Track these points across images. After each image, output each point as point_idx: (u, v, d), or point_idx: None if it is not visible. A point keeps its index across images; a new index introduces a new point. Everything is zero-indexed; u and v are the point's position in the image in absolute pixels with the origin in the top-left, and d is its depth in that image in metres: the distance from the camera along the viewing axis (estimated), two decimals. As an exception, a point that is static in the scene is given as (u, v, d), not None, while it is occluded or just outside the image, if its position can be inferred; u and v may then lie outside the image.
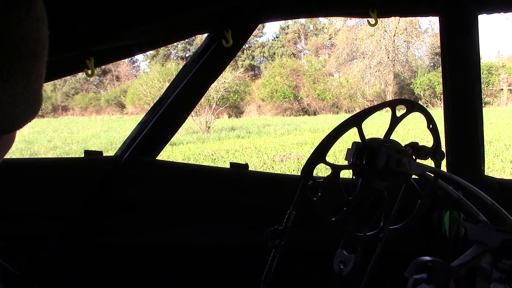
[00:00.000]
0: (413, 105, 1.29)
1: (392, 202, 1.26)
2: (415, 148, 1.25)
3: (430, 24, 24.60)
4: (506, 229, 1.16)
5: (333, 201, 1.19)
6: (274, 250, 1.18)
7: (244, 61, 28.79)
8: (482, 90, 2.01)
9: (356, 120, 1.21)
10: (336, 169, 1.19)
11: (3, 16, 0.37)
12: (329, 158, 1.20)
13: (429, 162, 1.32)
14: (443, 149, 1.52)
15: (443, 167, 1.72)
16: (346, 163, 1.24)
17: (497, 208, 1.22)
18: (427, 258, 1.02)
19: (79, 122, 23.08)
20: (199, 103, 5.65)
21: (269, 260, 1.18)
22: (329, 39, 28.68)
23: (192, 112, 2.20)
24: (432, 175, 1.28)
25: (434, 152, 1.28)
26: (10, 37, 0.38)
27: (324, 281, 1.35)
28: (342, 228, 1.22)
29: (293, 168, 7.84)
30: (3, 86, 0.38)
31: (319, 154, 1.18)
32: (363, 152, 1.20)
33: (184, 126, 3.37)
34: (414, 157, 1.25)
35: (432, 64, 24.58)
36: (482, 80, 1.94)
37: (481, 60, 2.12)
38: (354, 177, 1.23)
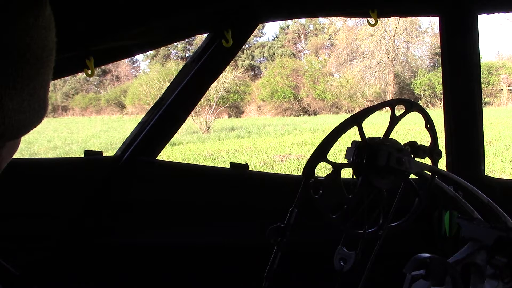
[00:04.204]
0: (411, 105, 1.30)
1: (391, 200, 1.27)
2: (413, 147, 1.26)
3: (430, 24, 24.62)
4: (500, 227, 1.17)
5: (334, 199, 1.20)
6: (276, 247, 1.19)
7: (244, 61, 28.80)
8: (482, 90, 2.01)
9: (356, 119, 1.21)
10: (337, 167, 1.20)
11: (10, 24, 0.37)
12: (329, 158, 1.20)
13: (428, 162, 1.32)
14: (443, 149, 1.53)
15: (444, 167, 1.73)
16: (346, 162, 1.24)
17: (492, 205, 1.23)
18: (426, 254, 1.03)
19: (79, 122, 23.09)
20: (199, 103, 5.65)
21: (271, 257, 1.18)
22: (329, 39, 28.68)
23: (192, 112, 2.20)
24: (430, 174, 1.29)
25: (431, 151, 1.29)
26: (17, 44, 0.38)
27: (325, 281, 1.35)
28: (343, 226, 1.22)
29: (293, 168, 7.84)
30: (9, 93, 0.38)
31: (321, 152, 1.19)
32: (363, 150, 1.21)
33: (184, 126, 3.37)
34: (412, 155, 1.26)
35: (432, 64, 24.57)
36: (482, 80, 1.94)
37: (481, 60, 2.12)
38: (354, 175, 1.24)
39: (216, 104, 16.54)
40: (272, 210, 1.36)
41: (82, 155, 1.84)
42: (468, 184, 1.28)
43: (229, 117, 22.44)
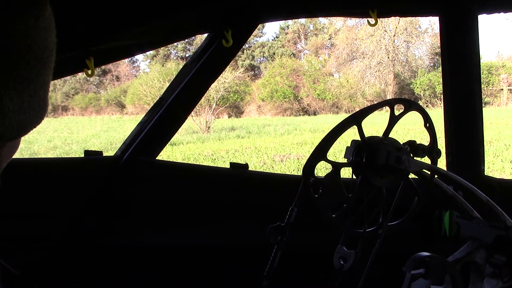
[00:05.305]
0: (410, 104, 1.30)
1: (390, 199, 1.27)
2: (412, 146, 1.26)
3: (430, 24, 24.61)
4: (499, 225, 1.17)
5: (333, 198, 1.20)
6: (276, 246, 1.19)
7: (244, 61, 28.79)
8: (482, 90, 2.01)
9: (356, 119, 1.21)
10: (336, 166, 1.20)
11: (11, 25, 0.37)
12: (329, 157, 1.20)
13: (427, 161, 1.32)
14: (443, 149, 1.53)
15: (444, 167, 1.73)
16: (345, 161, 1.24)
17: (491, 204, 1.23)
18: (425, 253, 1.03)
19: (79, 122, 23.08)
20: (199, 103, 5.65)
21: (272, 256, 1.18)
22: (329, 39, 28.67)
23: (192, 112, 2.20)
24: (429, 173, 1.29)
25: (430, 150, 1.29)
26: (17, 46, 0.38)
27: (325, 281, 1.35)
28: (342, 225, 1.23)
29: (293, 168, 7.84)
30: (10, 94, 0.38)
31: (320, 152, 1.19)
32: (363, 149, 1.21)
33: (184, 126, 3.37)
34: (411, 154, 1.26)
35: (432, 64, 24.56)
36: (482, 80, 1.94)
37: (481, 60, 2.12)
38: (353, 175, 1.24)
39: (216, 104, 16.54)
40: (272, 210, 1.36)
41: (82, 155, 1.84)
42: (466, 183, 1.28)
43: (229, 117, 22.43)
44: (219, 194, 1.89)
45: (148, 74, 22.41)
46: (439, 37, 1.89)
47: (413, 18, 20.82)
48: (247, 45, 28.62)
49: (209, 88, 2.01)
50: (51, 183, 1.74)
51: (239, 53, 7.32)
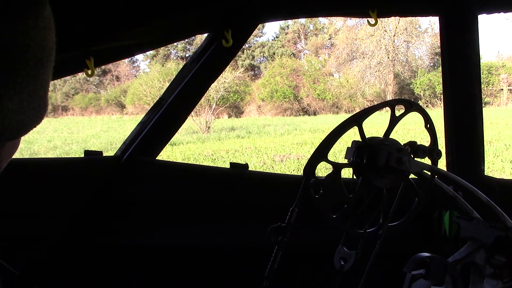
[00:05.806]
0: (411, 105, 1.30)
1: (391, 200, 1.27)
2: (413, 147, 1.26)
3: (430, 24, 24.61)
4: (499, 226, 1.17)
5: (334, 198, 1.20)
6: (276, 247, 1.19)
7: (244, 61, 28.80)
8: (482, 90, 2.01)
9: (357, 120, 1.21)
10: (337, 167, 1.20)
11: (10, 24, 0.37)
12: (330, 158, 1.20)
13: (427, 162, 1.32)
14: (443, 149, 1.53)
15: (444, 167, 1.73)
16: (346, 161, 1.24)
17: (491, 205, 1.23)
18: (426, 254, 1.03)
19: (79, 122, 23.08)
20: (199, 103, 5.65)
21: (272, 256, 1.18)
22: (329, 39, 28.68)
23: (192, 112, 2.20)
24: (429, 174, 1.29)
25: (431, 151, 1.29)
26: (17, 45, 0.38)
27: (326, 280, 1.35)
28: (343, 225, 1.23)
29: (293, 168, 7.84)
30: (9, 94, 0.38)
31: (321, 152, 1.19)
32: (363, 150, 1.21)
33: (184, 126, 3.37)
34: (412, 155, 1.26)
35: (432, 64, 24.57)
36: (482, 80, 1.94)
37: (481, 60, 2.12)
38: (354, 175, 1.24)
39: (216, 104, 16.54)
40: (273, 210, 1.36)
41: (82, 155, 1.84)
42: (467, 184, 1.28)
43: (229, 117, 22.43)
44: (219, 194, 1.89)
45: (148, 74, 22.42)
46: (439, 37, 1.89)
47: (413, 18, 20.82)
48: (247, 45, 28.63)
49: (209, 88, 2.01)
50: (51, 183, 1.74)
51: (239, 53, 7.32)
